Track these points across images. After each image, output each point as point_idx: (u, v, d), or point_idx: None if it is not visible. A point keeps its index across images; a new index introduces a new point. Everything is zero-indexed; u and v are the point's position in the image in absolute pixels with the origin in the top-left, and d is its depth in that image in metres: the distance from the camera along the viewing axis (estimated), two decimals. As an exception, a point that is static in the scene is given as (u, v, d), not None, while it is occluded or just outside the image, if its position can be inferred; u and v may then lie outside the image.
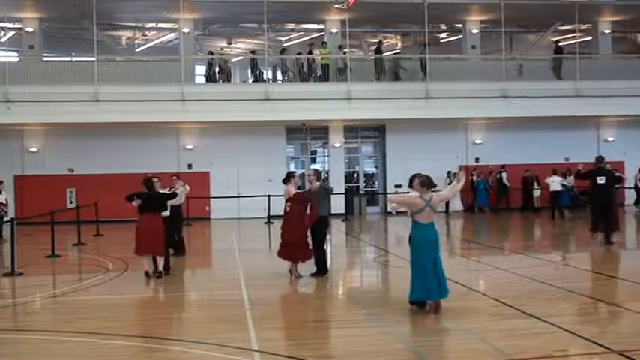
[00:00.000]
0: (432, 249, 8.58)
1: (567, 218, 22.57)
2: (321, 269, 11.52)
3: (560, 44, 26.39)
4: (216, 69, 24.81)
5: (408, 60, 26.15)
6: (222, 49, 34.02)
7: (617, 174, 15.85)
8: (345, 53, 24.28)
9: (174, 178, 14.57)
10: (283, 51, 26.94)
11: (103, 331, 8.04)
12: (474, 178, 25.55)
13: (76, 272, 13.65)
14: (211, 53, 25.49)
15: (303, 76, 24.51)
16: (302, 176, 21.24)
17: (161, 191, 12.41)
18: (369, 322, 8.34)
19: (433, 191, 8.76)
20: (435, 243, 8.64)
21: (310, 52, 25.51)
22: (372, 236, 20.53)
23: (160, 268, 11.73)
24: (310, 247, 11.33)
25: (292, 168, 27.44)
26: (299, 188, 13.00)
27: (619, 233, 16.04)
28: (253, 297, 9.83)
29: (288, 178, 11.57)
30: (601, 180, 15.23)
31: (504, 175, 25.88)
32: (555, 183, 23.06)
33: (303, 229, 11.17)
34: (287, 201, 11.34)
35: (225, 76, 25.16)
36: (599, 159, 15.81)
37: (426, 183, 8.66)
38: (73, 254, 16.16)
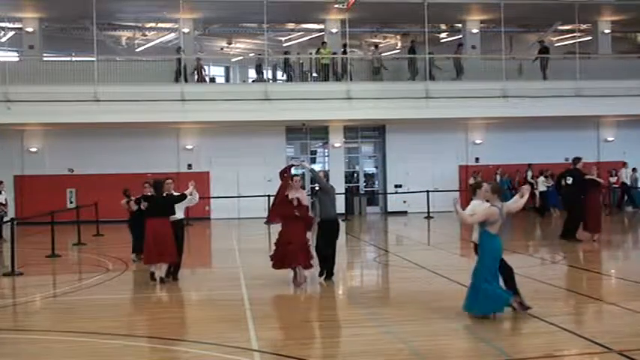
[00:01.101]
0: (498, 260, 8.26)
1: (554, 217, 22.67)
2: (328, 272, 11.16)
3: (545, 44, 26.32)
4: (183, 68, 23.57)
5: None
6: (222, 48, 34.06)
7: (588, 176, 15.52)
8: (380, 53, 24.27)
9: (146, 185, 12.38)
10: (318, 51, 26.66)
11: (103, 331, 8.04)
12: (497, 177, 25.55)
13: (76, 272, 13.66)
14: (178, 51, 24.37)
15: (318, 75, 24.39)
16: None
17: (175, 193, 11.53)
18: (369, 322, 8.33)
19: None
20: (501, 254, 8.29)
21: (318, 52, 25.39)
22: (372, 236, 20.53)
23: (163, 274, 11.22)
24: (310, 252, 11.00)
25: (292, 168, 27.35)
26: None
27: (594, 235, 15.69)
28: (253, 297, 9.83)
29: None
30: (568, 180, 15.56)
31: (529, 173, 25.91)
32: (541, 183, 23.48)
33: (304, 232, 10.92)
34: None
35: (200, 76, 24.44)
36: (574, 160, 15.90)
37: (496, 189, 8.23)
38: (73, 254, 16.17)
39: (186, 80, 23.55)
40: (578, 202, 15.46)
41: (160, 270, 11.16)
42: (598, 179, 15.67)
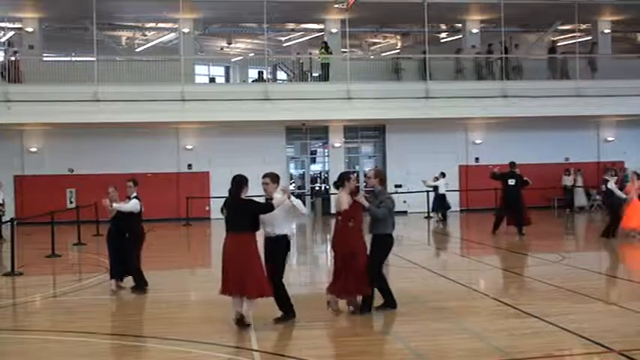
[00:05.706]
0: None
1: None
2: (390, 300, 8.88)
3: (506, 45, 26.32)
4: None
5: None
6: (221, 48, 34.04)
7: (525, 178, 17.76)
8: (424, 52, 24.29)
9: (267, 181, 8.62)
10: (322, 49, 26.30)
11: (102, 331, 8.05)
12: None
13: (76, 272, 13.64)
14: (10, 45, 22.61)
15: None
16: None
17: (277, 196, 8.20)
18: (369, 322, 8.33)
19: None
20: None
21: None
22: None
23: (249, 312, 7.92)
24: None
25: (292, 168, 27.33)
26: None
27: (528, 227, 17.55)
28: (253, 297, 9.81)
29: (342, 180, 8.73)
30: (512, 182, 17.55)
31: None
32: (442, 186, 22.68)
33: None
34: (338, 214, 8.87)
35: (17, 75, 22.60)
36: (512, 164, 17.97)
37: None
38: (73, 254, 16.16)
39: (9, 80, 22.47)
40: (520, 200, 17.57)
41: (242, 306, 7.92)
42: (529, 180, 17.92)
